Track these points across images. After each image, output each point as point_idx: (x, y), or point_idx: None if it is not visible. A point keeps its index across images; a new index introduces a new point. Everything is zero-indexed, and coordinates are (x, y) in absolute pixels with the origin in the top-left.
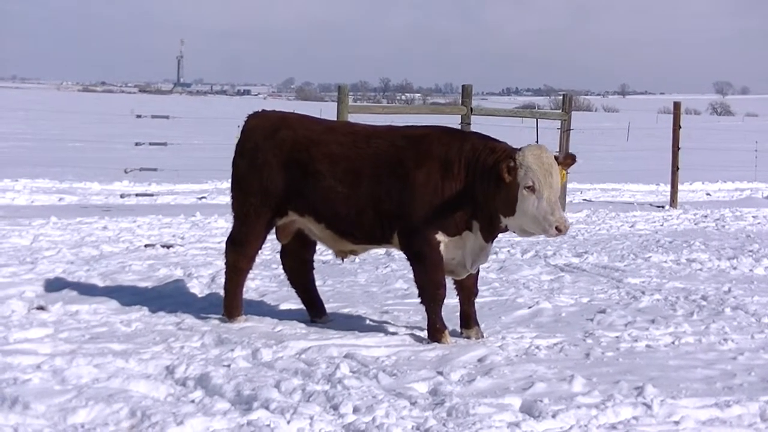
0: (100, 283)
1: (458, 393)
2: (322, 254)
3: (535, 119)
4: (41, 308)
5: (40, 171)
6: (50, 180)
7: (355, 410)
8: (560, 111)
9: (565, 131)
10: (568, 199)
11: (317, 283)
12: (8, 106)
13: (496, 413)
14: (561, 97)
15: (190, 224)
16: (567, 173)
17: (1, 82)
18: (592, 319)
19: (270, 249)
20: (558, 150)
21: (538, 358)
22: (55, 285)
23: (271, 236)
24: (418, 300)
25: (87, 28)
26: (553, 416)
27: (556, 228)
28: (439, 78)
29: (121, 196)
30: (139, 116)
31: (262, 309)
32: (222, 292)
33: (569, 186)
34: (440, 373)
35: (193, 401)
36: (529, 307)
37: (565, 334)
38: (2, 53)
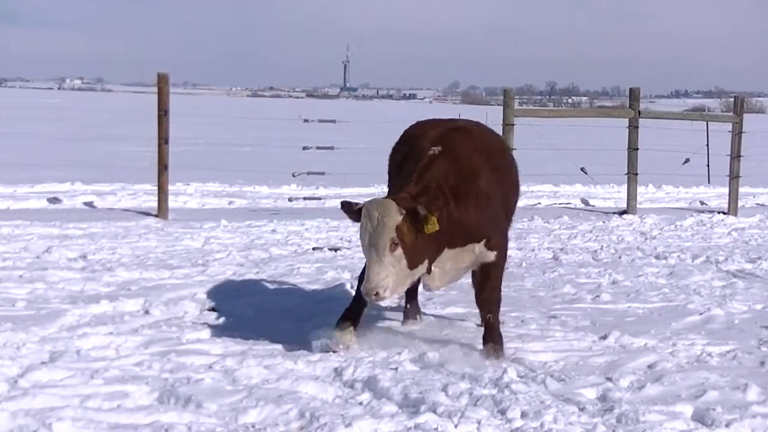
0: (270, 286)
1: (628, 400)
2: None
3: (705, 122)
4: (213, 309)
5: (211, 175)
6: (220, 184)
7: (523, 415)
8: (731, 113)
9: (737, 134)
10: (740, 203)
11: None
12: (180, 111)
13: (667, 421)
14: (732, 100)
15: (356, 228)
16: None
17: (173, 88)
18: (766, 327)
19: None
20: (729, 153)
21: (710, 366)
22: (225, 287)
23: None
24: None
25: (256, 35)
26: (727, 425)
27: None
28: (606, 81)
29: (289, 200)
30: (306, 120)
31: (427, 311)
32: None
33: (741, 190)
34: (609, 379)
35: (361, 403)
36: (701, 314)
37: (738, 341)
38: (175, 60)
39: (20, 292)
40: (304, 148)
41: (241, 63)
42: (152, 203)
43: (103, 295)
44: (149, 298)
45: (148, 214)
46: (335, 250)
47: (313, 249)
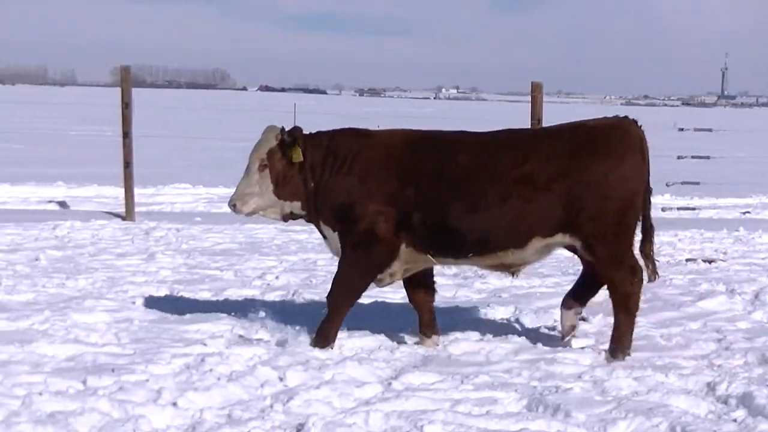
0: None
1: None
2: None
3: None
4: (583, 319)
5: None
6: None
7: None
8: None
9: None
10: None
11: None
12: (550, 119)
13: None
14: None
15: (733, 239)
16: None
17: (546, 97)
18: None
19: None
20: None
21: None
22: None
23: None
24: None
25: (630, 42)
26: None
27: None
28: None
29: (662, 210)
30: (681, 129)
31: None
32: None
33: None
34: None
35: (735, 420)
36: None
37: None
38: (548, 69)
39: (395, 297)
40: (678, 158)
41: (615, 71)
42: None
43: (474, 302)
44: (519, 306)
45: None
46: (710, 261)
47: (687, 260)
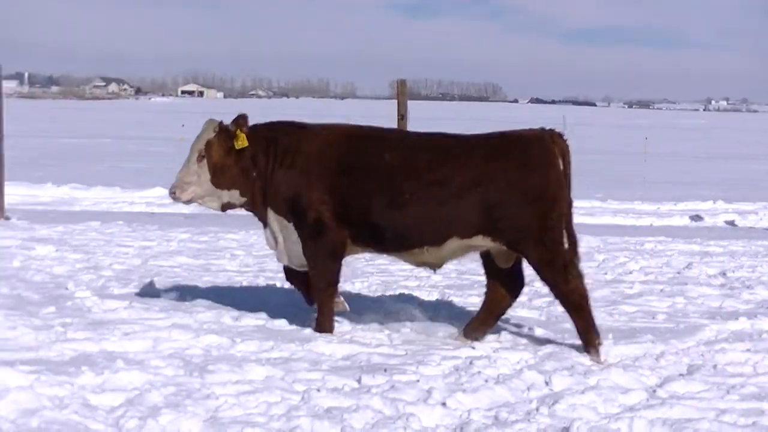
0: None
1: None
2: None
3: None
4: None
5: None
6: None
7: None
8: None
9: None
10: None
11: None
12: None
13: None
14: None
15: None
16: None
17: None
18: None
19: None
20: None
21: None
22: None
23: None
24: None
25: None
26: None
27: None
28: None
29: None
30: None
31: None
32: None
33: None
34: None
35: None
36: None
37: None
38: None
39: (661, 306)
40: None
41: None
42: None
43: (741, 312)
44: None
45: None
46: None
47: None
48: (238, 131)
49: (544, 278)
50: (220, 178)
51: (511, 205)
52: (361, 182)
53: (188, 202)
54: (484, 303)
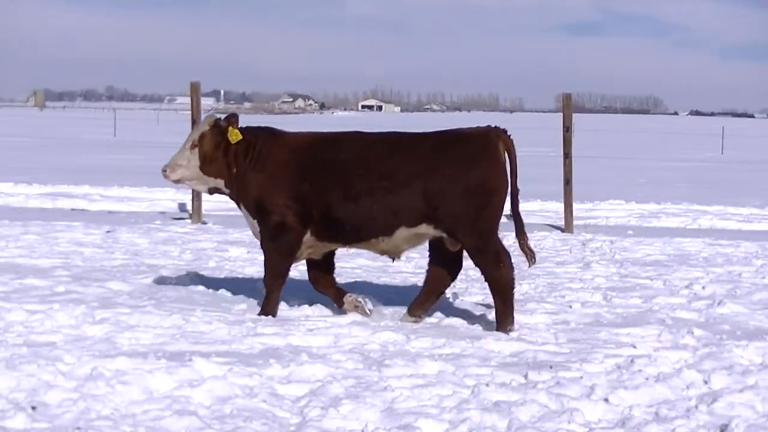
0: None
1: None
2: None
3: None
4: None
5: None
6: None
7: None
8: None
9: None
10: None
11: None
12: None
13: None
14: None
15: None
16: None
17: None
18: None
19: None
20: None
21: None
22: None
23: None
24: None
25: None
26: None
27: None
28: None
29: None
30: None
31: None
32: None
33: None
34: None
35: None
36: None
37: None
38: None
39: None
40: None
41: None
42: None
43: None
44: None
45: None
46: None
47: None
48: (230, 127)
49: (477, 264)
50: (207, 167)
51: (450, 196)
52: (321, 181)
53: (177, 182)
54: (426, 283)
